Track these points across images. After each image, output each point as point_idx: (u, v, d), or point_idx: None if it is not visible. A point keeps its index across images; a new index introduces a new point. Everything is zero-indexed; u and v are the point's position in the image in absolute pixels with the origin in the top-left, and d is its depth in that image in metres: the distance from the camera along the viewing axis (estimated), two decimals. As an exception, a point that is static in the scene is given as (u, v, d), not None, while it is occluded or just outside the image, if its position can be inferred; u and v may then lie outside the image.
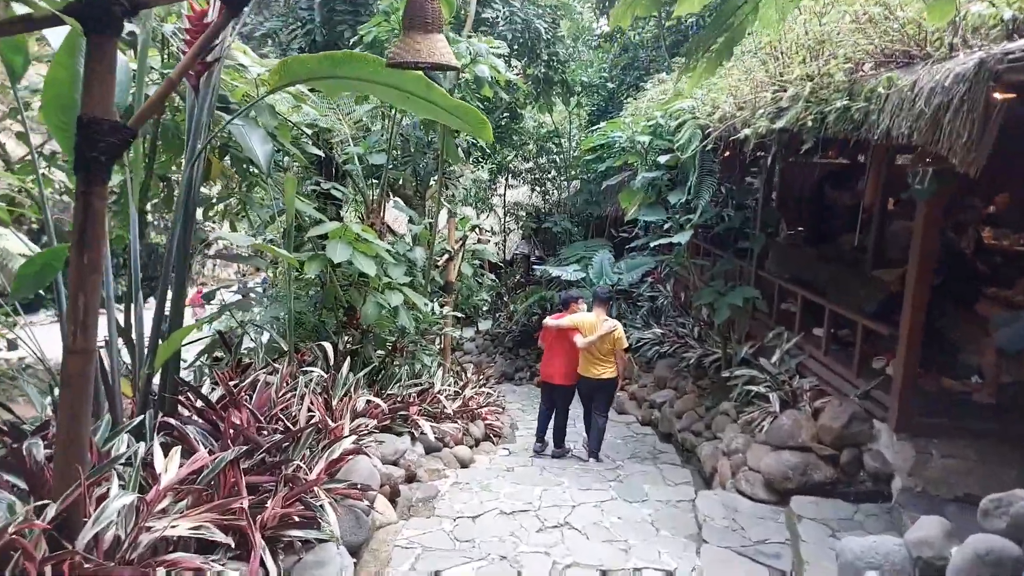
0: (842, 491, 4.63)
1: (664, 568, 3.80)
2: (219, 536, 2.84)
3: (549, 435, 6.81)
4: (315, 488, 3.50)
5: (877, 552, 2.44)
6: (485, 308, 16.64)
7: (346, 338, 5.93)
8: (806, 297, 6.41)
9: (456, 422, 6.49)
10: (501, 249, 15.85)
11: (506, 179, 14.84)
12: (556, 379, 6.60)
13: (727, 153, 7.25)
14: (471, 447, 6.63)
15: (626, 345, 6.48)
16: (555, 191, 15.50)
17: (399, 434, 5.55)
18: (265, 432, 3.79)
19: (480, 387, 8.29)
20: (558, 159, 14.49)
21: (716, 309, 6.80)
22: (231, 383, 4.38)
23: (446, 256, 7.98)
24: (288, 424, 3.95)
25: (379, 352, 6.36)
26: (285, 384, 4.39)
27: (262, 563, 2.91)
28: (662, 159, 6.62)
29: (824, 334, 5.91)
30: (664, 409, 8.14)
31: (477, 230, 9.53)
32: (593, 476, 5.75)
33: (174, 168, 5.22)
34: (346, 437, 4.01)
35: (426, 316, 6.73)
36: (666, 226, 6.74)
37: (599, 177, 13.70)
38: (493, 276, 11.33)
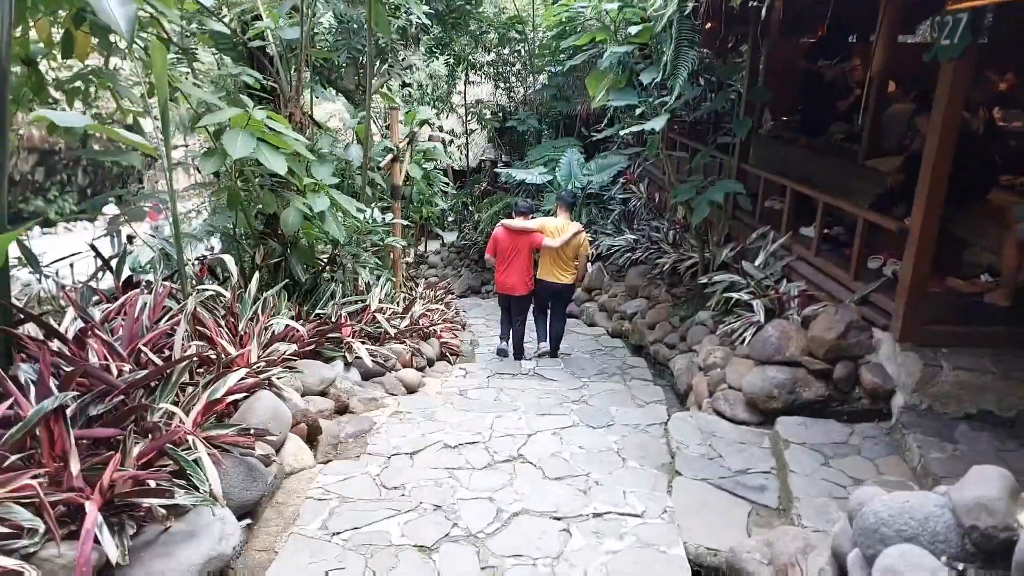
0: (835, 410, 4.04)
1: (629, 511, 3.19)
2: (22, 515, 2.10)
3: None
4: (189, 437, 2.76)
5: (912, 517, 1.77)
6: (451, 219, 15.69)
7: (263, 250, 5.05)
8: (796, 191, 5.64)
9: (404, 342, 5.76)
10: (464, 154, 14.70)
11: (466, 74, 13.47)
12: (517, 289, 6.39)
13: (709, 24, 6.23)
14: (421, 369, 5.95)
15: (590, 251, 6.37)
16: (521, 87, 14.21)
17: (329, 359, 4.81)
18: (128, 370, 2.99)
19: (435, 302, 7.54)
20: (522, 50, 13.12)
21: (694, 208, 6.01)
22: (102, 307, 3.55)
23: (390, 156, 6.98)
24: (154, 359, 3.13)
25: (308, 267, 5.51)
26: (160, 308, 3.54)
27: (97, 542, 2.19)
28: (633, 30, 5.59)
29: (816, 232, 5.18)
30: (635, 320, 7.51)
31: (428, 126, 8.41)
32: (555, 398, 5.12)
33: (37, 44, 4.13)
34: (235, 371, 3.22)
35: (363, 224, 5.84)
36: (638, 111, 5.80)
37: (569, 71, 12.47)
38: (447, 181, 10.31)
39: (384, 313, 5.59)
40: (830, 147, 7.49)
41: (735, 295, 5.27)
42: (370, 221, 6.01)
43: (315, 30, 7.83)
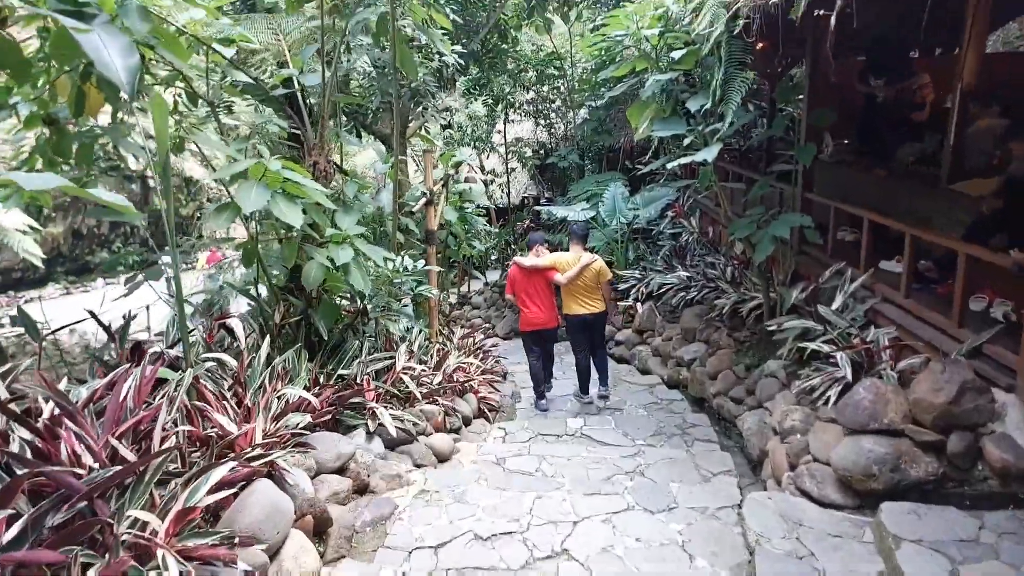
0: (953, 493, 3.29)
1: (703, 638, 2.54)
2: None
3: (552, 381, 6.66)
4: (160, 551, 2.28)
5: None
6: (494, 258, 15.30)
7: (283, 308, 4.66)
8: (875, 221, 4.93)
9: (436, 401, 5.25)
10: (505, 192, 14.36)
11: (505, 113, 13.20)
12: (549, 323, 6.30)
13: (761, 45, 5.67)
14: (456, 431, 5.41)
15: (610, 276, 6.38)
16: (561, 123, 13.86)
17: (350, 428, 4.33)
18: (97, 466, 2.55)
19: (473, 352, 7.03)
20: (561, 86, 12.79)
21: (755, 243, 5.35)
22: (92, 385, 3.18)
23: (423, 200, 6.60)
24: (126, 454, 2.69)
25: (337, 321, 5.09)
26: (149, 384, 3.12)
27: None
28: (676, 54, 5.07)
29: (904, 269, 4.46)
30: (694, 368, 6.80)
31: (468, 166, 8.00)
32: (606, 469, 4.48)
33: (61, 103, 3.92)
34: (223, 463, 2.75)
35: (392, 273, 5.42)
36: (686, 142, 5.25)
37: (610, 104, 12.05)
38: (486, 222, 9.90)
39: (413, 371, 5.09)
40: (905, 170, 6.76)
41: (811, 345, 4.56)
42: (400, 270, 5.60)
43: (349, 76, 7.63)
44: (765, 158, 7.81)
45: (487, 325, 12.18)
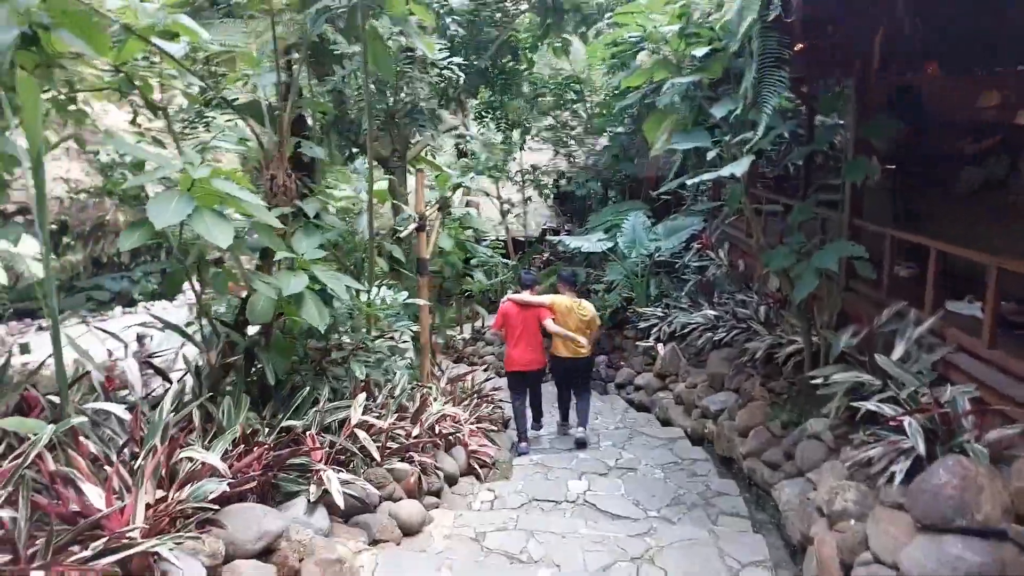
0: (1087, 629, 2.34)
1: None
2: None
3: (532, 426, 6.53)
4: None
5: None
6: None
7: (221, 346, 3.92)
8: (942, 252, 4.03)
9: (412, 459, 4.42)
10: (522, 223, 13.65)
11: (522, 139, 12.56)
12: (535, 364, 6.17)
13: (800, 47, 4.89)
14: (436, 493, 4.57)
15: (599, 327, 6.62)
16: (581, 151, 13.18)
17: (290, 496, 3.53)
18: None
19: (470, 396, 6.19)
20: (580, 109, 12.13)
21: (795, 278, 4.48)
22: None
23: (413, 225, 5.89)
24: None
25: (290, 364, 4.33)
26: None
27: None
28: (698, 52, 4.32)
29: (987, 309, 3.54)
30: (722, 422, 5.86)
31: (470, 193, 7.21)
32: (608, 553, 3.59)
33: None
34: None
35: (366, 308, 4.68)
36: (710, 156, 4.44)
37: (631, 128, 11.34)
38: (493, 253, 9.18)
39: (375, 425, 4.24)
40: (969, 197, 5.86)
41: (867, 405, 3.64)
42: (377, 302, 4.85)
43: (343, 91, 7.06)
44: (803, 184, 6.96)
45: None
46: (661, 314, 8.32)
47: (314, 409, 4.11)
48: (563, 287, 6.28)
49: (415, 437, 4.60)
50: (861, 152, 4.81)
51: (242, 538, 2.96)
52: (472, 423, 5.68)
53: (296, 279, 3.76)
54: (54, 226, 18.19)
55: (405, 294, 5.03)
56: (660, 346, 8.06)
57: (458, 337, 14.91)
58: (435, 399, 5.19)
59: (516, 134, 12.31)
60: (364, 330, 4.47)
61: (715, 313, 7.25)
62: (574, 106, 11.87)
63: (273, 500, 3.47)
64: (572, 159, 13.17)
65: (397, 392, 4.90)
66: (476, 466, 5.25)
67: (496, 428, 6.18)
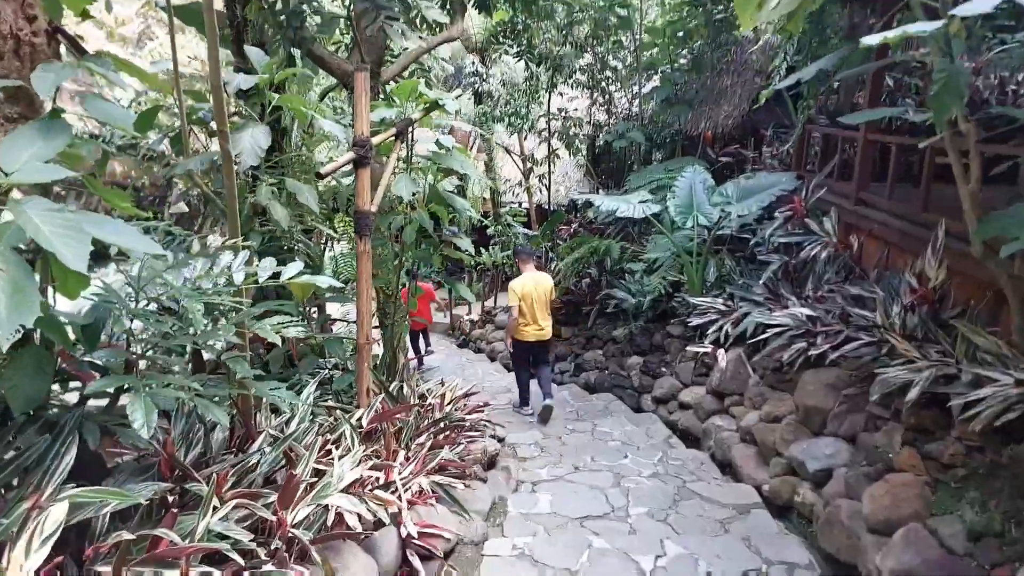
0: None
1: None
2: None
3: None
4: None
5: None
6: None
7: None
8: None
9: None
10: (545, 185, 11.28)
11: (551, 80, 10.13)
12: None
13: None
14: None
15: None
16: (624, 98, 10.72)
17: None
18: None
19: (427, 429, 4.00)
20: (624, 40, 9.63)
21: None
22: None
23: (346, 157, 3.65)
24: None
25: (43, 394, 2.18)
26: None
27: None
28: None
29: None
30: (830, 495, 3.59)
31: (439, 114, 4.80)
32: None
33: None
34: None
35: (185, 289, 2.46)
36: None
37: (690, 63, 8.85)
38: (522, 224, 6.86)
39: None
40: None
41: None
42: (201, 275, 2.62)
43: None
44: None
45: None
46: (723, 307, 5.99)
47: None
48: (523, 261, 5.94)
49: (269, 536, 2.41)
50: None
51: None
52: (426, 476, 3.49)
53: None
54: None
55: (297, 267, 2.75)
56: (720, 352, 5.75)
57: (465, 318, 12.77)
58: (346, 450, 2.99)
59: (543, 72, 9.90)
60: (192, 328, 2.25)
61: (810, 312, 4.87)
62: (618, 34, 9.34)
63: None
64: (612, 109, 10.70)
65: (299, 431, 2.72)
66: (415, 561, 3.05)
67: (468, 477, 3.96)
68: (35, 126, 1.91)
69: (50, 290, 2.12)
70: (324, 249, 5.78)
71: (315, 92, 8.57)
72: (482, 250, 11.25)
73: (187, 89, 3.78)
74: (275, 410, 3.40)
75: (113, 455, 2.46)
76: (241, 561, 2.03)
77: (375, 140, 3.89)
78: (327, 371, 4.04)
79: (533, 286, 5.74)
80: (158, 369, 2.25)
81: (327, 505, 2.65)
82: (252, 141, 3.03)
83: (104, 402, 2.38)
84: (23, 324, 1.61)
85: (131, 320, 2.15)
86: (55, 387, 2.33)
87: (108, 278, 2.38)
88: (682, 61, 8.60)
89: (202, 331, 2.06)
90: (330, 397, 4.29)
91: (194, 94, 3.62)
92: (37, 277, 1.77)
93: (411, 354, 8.37)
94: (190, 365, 2.76)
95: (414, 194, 4.23)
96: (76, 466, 2.19)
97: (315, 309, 5.01)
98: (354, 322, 3.79)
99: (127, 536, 1.80)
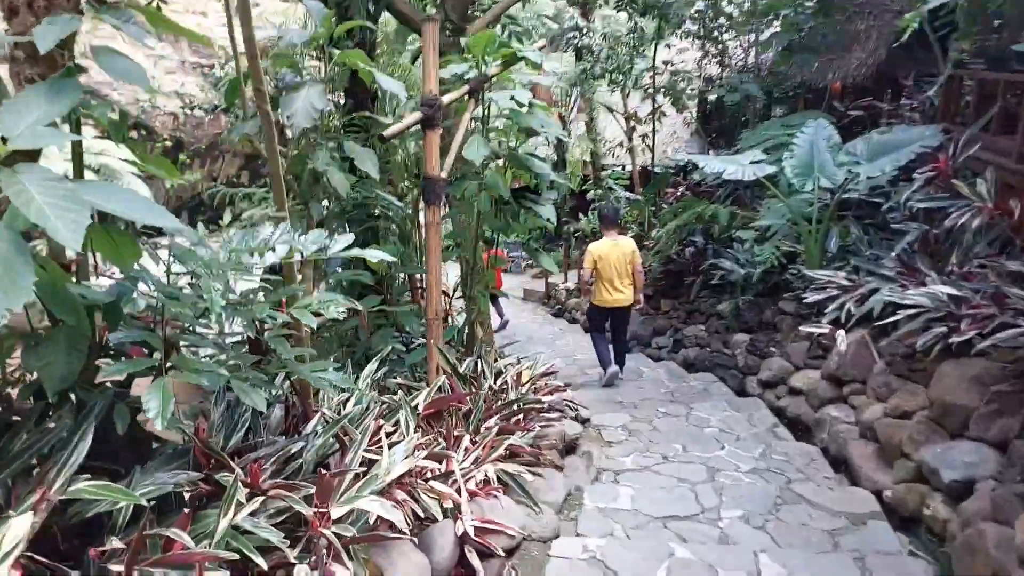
0: None
1: None
2: None
3: None
4: None
5: None
6: (630, 236, 11.68)
7: None
8: None
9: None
10: (648, 147, 10.57)
11: (658, 31, 9.33)
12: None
13: None
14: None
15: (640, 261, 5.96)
16: (740, 49, 9.74)
17: None
18: None
19: (500, 411, 3.76)
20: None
21: None
22: None
23: (412, 116, 3.41)
24: None
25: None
26: None
27: None
28: None
29: None
30: (972, 513, 2.98)
31: (529, 70, 4.27)
32: None
33: None
34: None
35: (214, 267, 2.32)
36: None
37: (815, 7, 7.82)
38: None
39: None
40: None
41: None
42: (236, 252, 2.46)
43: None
44: None
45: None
46: (845, 282, 5.24)
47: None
48: (605, 226, 5.97)
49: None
50: None
51: None
52: (492, 464, 3.26)
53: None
54: (169, 143, 18.02)
55: (347, 240, 2.52)
56: (840, 334, 5.05)
57: (561, 287, 12.43)
58: (401, 437, 2.80)
59: (648, 22, 9.16)
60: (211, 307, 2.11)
61: (954, 291, 4.09)
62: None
63: None
64: (725, 61, 9.76)
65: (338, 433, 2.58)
66: (474, 559, 2.84)
67: (541, 464, 3.69)
68: (43, 87, 1.80)
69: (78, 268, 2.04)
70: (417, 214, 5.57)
71: (408, 53, 8.40)
72: (580, 216, 10.81)
73: (279, 52, 3.66)
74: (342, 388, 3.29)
75: (162, 437, 2.41)
76: (264, 565, 1.88)
77: (445, 99, 3.62)
78: (393, 346, 3.89)
79: (610, 248, 5.68)
80: (190, 351, 2.13)
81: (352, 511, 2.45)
82: (306, 102, 2.85)
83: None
84: (10, 308, 1.49)
85: (158, 299, 2.03)
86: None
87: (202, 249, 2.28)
88: (808, 3, 7.58)
89: (219, 310, 1.90)
90: (404, 372, 4.16)
91: (286, 60, 3.47)
92: (76, 250, 1.62)
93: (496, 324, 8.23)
94: (246, 347, 2.66)
95: (491, 158, 3.94)
96: (115, 448, 2.13)
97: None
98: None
99: (131, 536, 1.69)
